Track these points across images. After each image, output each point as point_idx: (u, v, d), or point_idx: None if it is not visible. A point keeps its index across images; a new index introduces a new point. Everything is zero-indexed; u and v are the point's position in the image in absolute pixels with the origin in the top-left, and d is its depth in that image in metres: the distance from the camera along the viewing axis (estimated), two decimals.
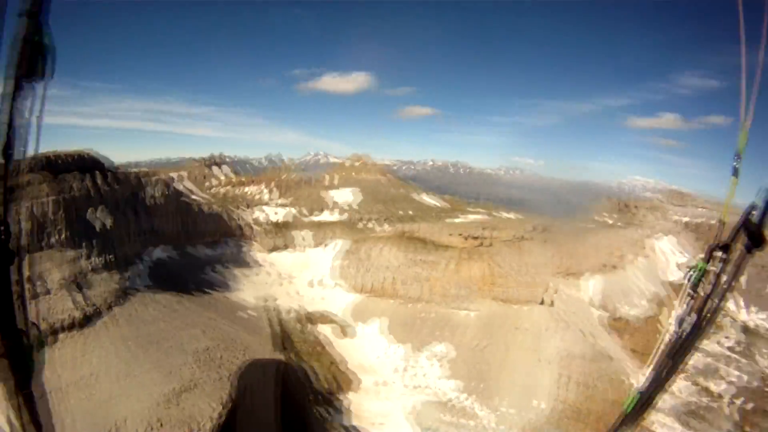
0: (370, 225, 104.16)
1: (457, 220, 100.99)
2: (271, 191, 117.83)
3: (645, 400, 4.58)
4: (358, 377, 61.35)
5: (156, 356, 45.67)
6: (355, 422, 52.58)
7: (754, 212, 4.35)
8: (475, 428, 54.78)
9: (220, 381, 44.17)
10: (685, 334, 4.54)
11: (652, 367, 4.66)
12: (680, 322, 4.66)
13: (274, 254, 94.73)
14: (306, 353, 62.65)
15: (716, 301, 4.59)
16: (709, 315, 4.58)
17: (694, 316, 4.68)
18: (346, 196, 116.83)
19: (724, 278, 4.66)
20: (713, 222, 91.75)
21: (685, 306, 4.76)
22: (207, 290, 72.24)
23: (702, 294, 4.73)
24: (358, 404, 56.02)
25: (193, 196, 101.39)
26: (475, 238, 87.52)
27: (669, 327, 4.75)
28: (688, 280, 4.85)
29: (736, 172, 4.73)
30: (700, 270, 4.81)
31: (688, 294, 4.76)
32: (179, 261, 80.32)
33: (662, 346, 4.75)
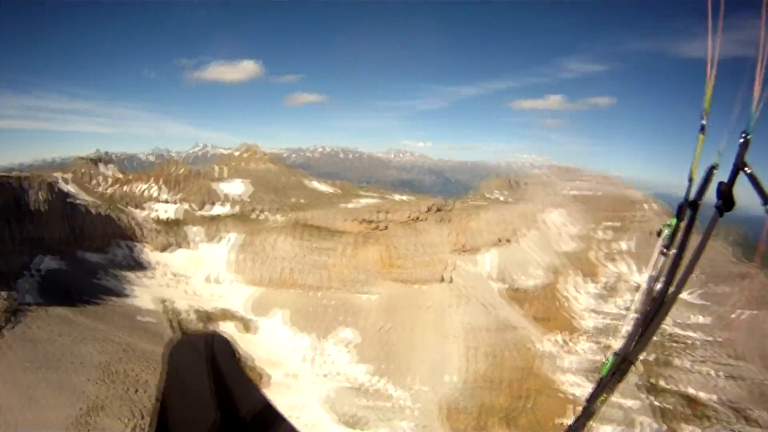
0: (262, 216, 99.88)
1: (350, 205, 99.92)
2: (159, 187, 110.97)
3: (620, 363, 3.88)
4: (266, 372, 58.71)
5: (58, 377, 40.55)
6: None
7: (714, 170, 4.18)
8: (392, 409, 54.09)
9: (127, 394, 40.08)
10: (657, 293, 4.12)
11: (627, 329, 4.07)
12: (652, 280, 4.31)
13: (167, 254, 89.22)
14: None
15: (686, 259, 4.19)
16: (681, 273, 4.16)
17: (664, 276, 4.32)
18: (236, 187, 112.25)
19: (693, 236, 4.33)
20: (599, 194, 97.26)
21: (656, 266, 4.43)
22: (102, 298, 66.21)
23: (671, 252, 4.41)
24: (270, 400, 53.76)
25: (80, 199, 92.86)
26: (370, 221, 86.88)
27: (642, 287, 4.34)
28: (659, 236, 4.55)
29: (703, 129, 4.56)
30: (672, 227, 4.52)
31: (660, 252, 4.45)
32: (70, 270, 73.25)
33: (635, 308, 4.27)
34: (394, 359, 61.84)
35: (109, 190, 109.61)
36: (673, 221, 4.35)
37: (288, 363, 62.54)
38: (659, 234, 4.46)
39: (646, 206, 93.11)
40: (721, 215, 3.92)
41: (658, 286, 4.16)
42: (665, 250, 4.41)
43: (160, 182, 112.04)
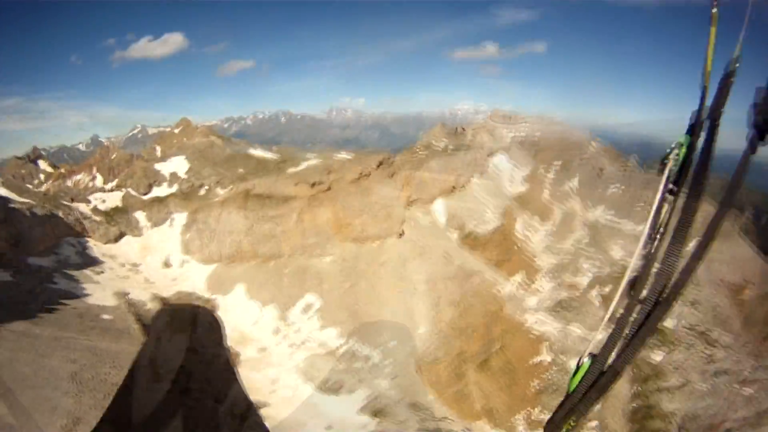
0: (206, 191, 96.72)
1: (295, 169, 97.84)
2: (94, 177, 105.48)
3: (600, 374, 2.56)
4: (236, 350, 57.53)
5: (30, 398, 37.57)
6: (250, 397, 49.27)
7: (731, 79, 2.85)
8: (368, 369, 54.07)
9: (105, 400, 38.10)
10: (660, 271, 2.57)
11: (608, 316, 2.77)
12: (651, 246, 2.79)
13: (117, 244, 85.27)
14: None
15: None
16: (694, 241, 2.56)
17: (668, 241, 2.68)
18: (176, 165, 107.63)
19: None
20: (543, 136, 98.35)
21: (656, 222, 2.89)
22: (60, 303, 62.25)
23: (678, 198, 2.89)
24: (245, 378, 52.42)
25: (16, 202, 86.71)
26: (318, 183, 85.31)
27: (633, 261, 2.85)
28: (662, 169, 2.96)
29: (713, 20, 3.23)
30: (684, 146, 3.00)
31: (666, 194, 2.90)
32: (19, 280, 68.42)
33: (624, 290, 2.81)
34: (361, 318, 61.64)
35: (46, 187, 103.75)
36: (685, 140, 2.93)
37: (257, 337, 61.55)
38: (662, 165, 2.98)
39: (589, 145, 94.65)
40: (754, 150, 2.51)
41: (659, 256, 2.78)
42: (674, 189, 2.96)
43: (94, 171, 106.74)
